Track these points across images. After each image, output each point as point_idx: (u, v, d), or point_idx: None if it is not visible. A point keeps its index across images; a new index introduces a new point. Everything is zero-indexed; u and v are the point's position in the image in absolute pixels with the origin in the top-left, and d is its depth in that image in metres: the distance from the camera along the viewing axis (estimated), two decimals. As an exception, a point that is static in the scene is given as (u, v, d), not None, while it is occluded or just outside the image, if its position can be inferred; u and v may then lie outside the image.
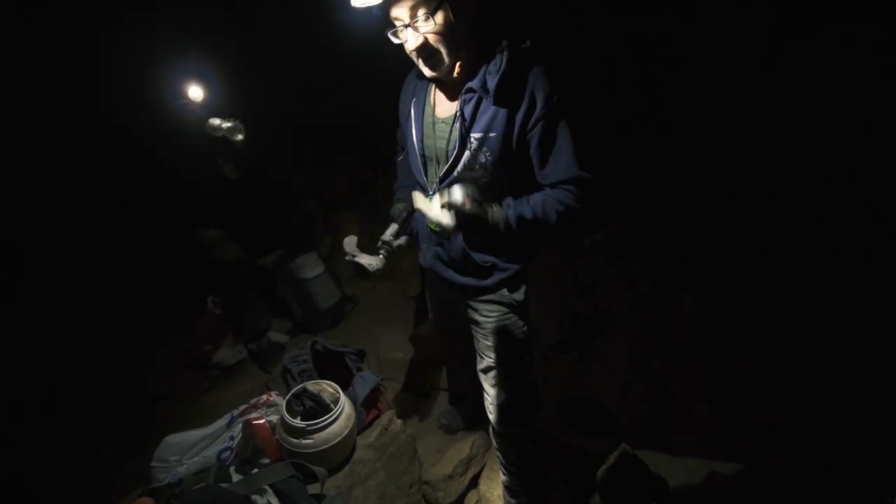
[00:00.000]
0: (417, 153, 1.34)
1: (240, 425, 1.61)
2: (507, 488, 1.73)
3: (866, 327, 1.98)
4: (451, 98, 1.28)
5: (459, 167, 1.24)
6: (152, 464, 1.60)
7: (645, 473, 1.66)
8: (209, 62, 2.51)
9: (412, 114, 1.34)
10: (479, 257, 1.36)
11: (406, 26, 1.13)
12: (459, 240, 1.35)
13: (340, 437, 1.50)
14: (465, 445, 1.93)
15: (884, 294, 2.01)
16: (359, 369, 1.89)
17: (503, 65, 1.13)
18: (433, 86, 1.33)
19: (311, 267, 2.80)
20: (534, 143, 1.17)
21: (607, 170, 2.95)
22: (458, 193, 1.15)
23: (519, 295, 1.45)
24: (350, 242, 1.47)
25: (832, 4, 2.24)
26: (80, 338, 2.58)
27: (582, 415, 2.18)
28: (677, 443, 1.97)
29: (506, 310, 1.44)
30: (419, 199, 1.26)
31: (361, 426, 1.68)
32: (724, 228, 2.57)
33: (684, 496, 1.70)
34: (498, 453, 1.70)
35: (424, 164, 1.35)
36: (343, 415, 1.53)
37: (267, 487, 1.34)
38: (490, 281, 1.40)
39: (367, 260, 1.39)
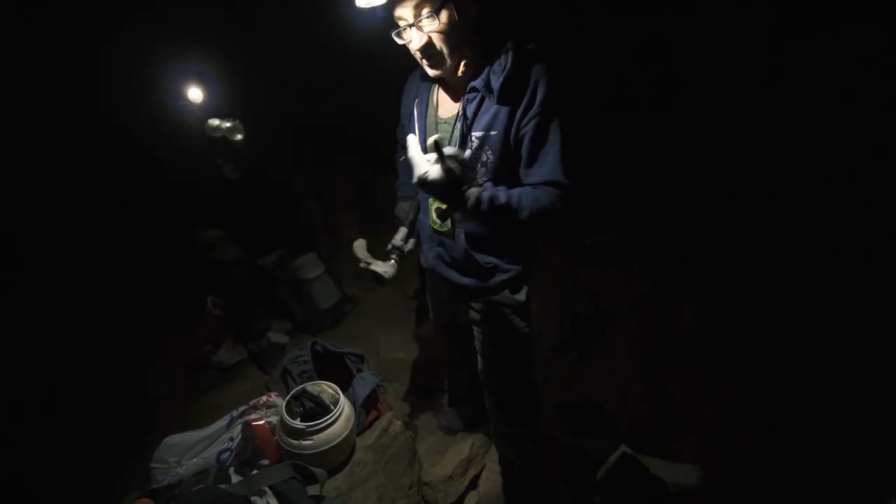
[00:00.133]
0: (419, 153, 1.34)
1: (239, 426, 1.61)
2: (507, 489, 1.73)
3: (866, 327, 1.98)
4: (455, 98, 1.28)
5: None
6: (152, 465, 1.60)
7: (645, 475, 1.66)
8: (209, 63, 2.51)
9: (415, 114, 1.35)
10: (481, 258, 1.36)
11: (410, 26, 1.13)
12: (462, 240, 1.35)
13: (340, 439, 1.50)
14: (464, 446, 1.92)
15: (884, 294, 2.01)
16: (359, 370, 1.89)
17: (508, 65, 1.13)
18: (437, 86, 1.33)
19: (311, 267, 2.81)
20: (525, 139, 1.17)
21: (606, 170, 2.98)
22: (451, 150, 1.11)
23: (520, 296, 1.44)
24: (361, 247, 1.46)
25: (832, 4, 2.24)
26: (80, 338, 2.58)
27: (582, 416, 2.18)
28: (677, 443, 1.97)
29: (507, 311, 1.44)
30: (412, 146, 1.15)
31: (361, 427, 1.68)
32: (725, 229, 2.57)
33: (684, 498, 1.69)
34: (498, 454, 1.70)
35: None
36: (343, 416, 1.53)
37: (266, 489, 1.34)
38: (492, 282, 1.40)
39: (382, 268, 1.38)
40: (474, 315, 1.49)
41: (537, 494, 1.74)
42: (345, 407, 1.55)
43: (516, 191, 1.19)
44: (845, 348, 1.98)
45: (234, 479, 1.47)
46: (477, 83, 1.17)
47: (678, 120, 2.89)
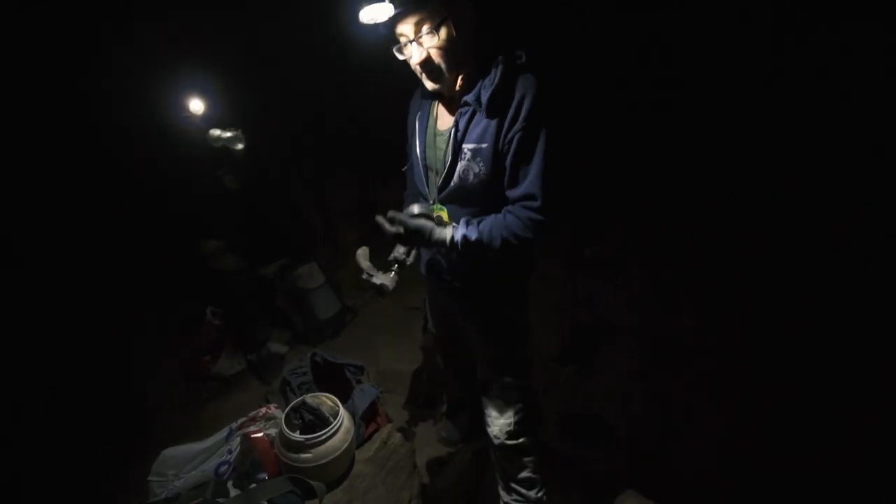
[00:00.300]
0: (420, 163, 1.39)
1: (238, 439, 1.60)
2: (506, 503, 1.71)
3: (866, 327, 1.98)
4: (452, 111, 1.32)
5: (455, 177, 1.28)
6: (150, 478, 1.59)
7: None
8: (210, 75, 2.53)
9: (416, 126, 1.40)
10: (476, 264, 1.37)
11: (411, 41, 1.18)
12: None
13: (339, 452, 1.49)
14: (464, 458, 1.91)
15: (884, 294, 2.01)
16: (358, 382, 1.88)
17: (496, 80, 1.17)
18: (437, 101, 1.38)
19: (311, 277, 2.81)
20: (509, 153, 1.21)
21: (605, 176, 2.98)
22: (409, 210, 1.25)
23: (519, 304, 1.46)
24: (363, 256, 1.46)
25: (832, 4, 2.26)
26: (81, 347, 2.58)
27: (582, 427, 2.17)
28: (678, 454, 1.96)
29: (506, 319, 1.45)
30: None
31: (360, 440, 1.67)
32: (724, 230, 2.57)
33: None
34: (496, 467, 1.69)
35: (426, 174, 1.39)
36: (342, 428, 1.52)
37: (265, 503, 1.33)
38: (490, 290, 1.42)
39: (382, 280, 1.39)
40: (472, 323, 1.50)
41: None
42: (344, 419, 1.55)
43: (486, 223, 1.24)
44: (845, 348, 1.98)
45: (233, 492, 1.46)
46: (469, 97, 1.22)
47: (677, 121, 2.90)
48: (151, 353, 2.74)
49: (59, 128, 2.65)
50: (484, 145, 1.21)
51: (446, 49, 1.18)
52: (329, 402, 1.61)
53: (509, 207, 1.26)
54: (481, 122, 1.21)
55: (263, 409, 1.70)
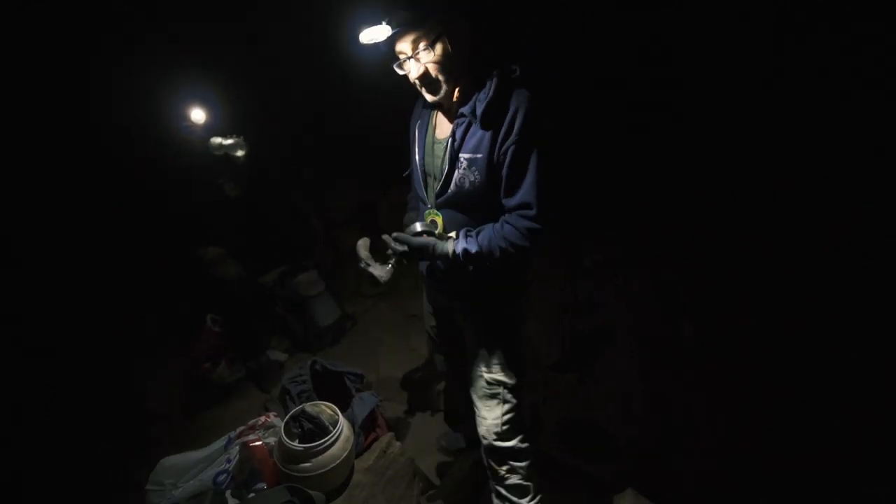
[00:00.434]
0: (419, 170, 1.44)
1: (237, 447, 1.59)
2: None
3: (866, 327, 1.98)
4: (450, 121, 1.38)
5: (452, 185, 1.34)
6: (147, 486, 1.58)
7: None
8: (212, 84, 2.56)
9: (416, 134, 1.46)
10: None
11: (409, 58, 1.25)
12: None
13: (339, 461, 1.49)
14: (463, 468, 1.90)
15: (884, 294, 2.01)
16: (358, 390, 1.88)
17: (491, 93, 1.24)
18: (436, 111, 1.44)
19: (311, 285, 2.81)
20: (504, 165, 1.26)
21: (606, 179, 2.99)
22: (411, 229, 1.35)
23: (517, 305, 1.50)
24: (363, 246, 1.50)
25: (831, 5, 2.29)
26: (80, 352, 2.58)
27: (581, 435, 2.16)
28: (678, 455, 1.96)
29: (504, 319, 1.48)
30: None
31: (360, 449, 1.66)
32: (724, 229, 2.58)
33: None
34: (487, 471, 1.67)
35: (424, 180, 1.45)
36: (342, 437, 1.52)
37: (263, 512, 1.33)
38: (489, 292, 1.45)
39: (379, 271, 1.43)
40: (469, 323, 1.52)
41: None
42: (343, 428, 1.54)
43: (485, 235, 1.31)
44: (845, 348, 1.98)
45: (231, 502, 1.45)
46: (465, 109, 1.28)
47: (677, 121, 2.92)
48: (151, 360, 2.74)
49: (61, 129, 2.68)
50: (479, 155, 1.27)
51: (442, 64, 1.24)
52: (328, 411, 1.60)
53: (506, 217, 1.31)
54: (477, 133, 1.27)
55: (263, 418, 1.70)
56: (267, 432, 1.63)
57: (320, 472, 1.46)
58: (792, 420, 1.92)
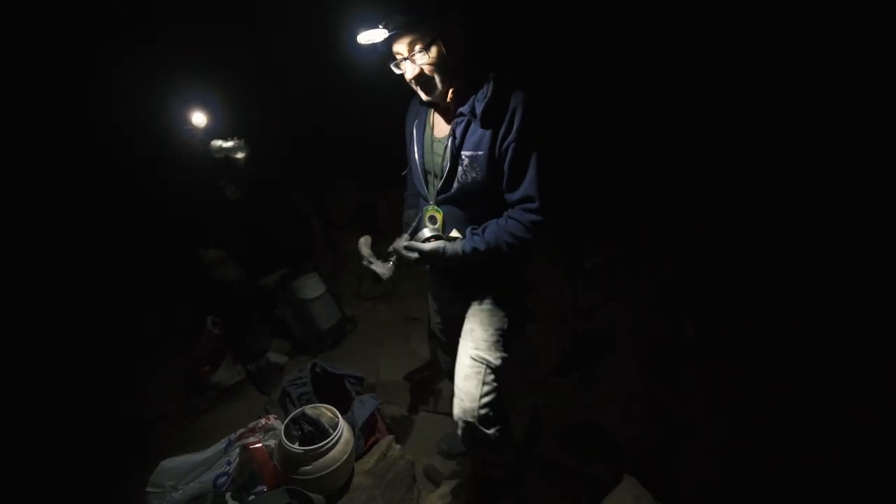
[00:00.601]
0: (419, 168, 1.48)
1: (237, 450, 1.60)
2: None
3: (866, 327, 1.98)
4: (447, 120, 1.43)
5: (455, 182, 1.39)
6: (148, 489, 1.58)
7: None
8: (212, 87, 2.57)
9: (414, 133, 1.50)
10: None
11: (405, 59, 1.30)
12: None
13: (338, 464, 1.49)
14: (464, 471, 1.90)
15: (884, 294, 2.01)
16: (358, 393, 1.88)
17: (489, 93, 1.29)
18: (432, 109, 1.48)
19: (312, 287, 2.81)
20: (505, 162, 1.32)
21: (605, 179, 2.99)
22: (420, 236, 1.40)
23: (518, 288, 1.55)
24: (365, 244, 1.52)
25: (831, 6, 2.29)
26: (80, 354, 2.59)
27: (582, 436, 2.16)
28: (678, 455, 1.96)
29: (500, 304, 1.51)
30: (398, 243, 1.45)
31: (360, 452, 1.67)
32: (724, 233, 2.58)
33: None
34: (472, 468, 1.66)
35: (425, 178, 1.49)
36: (341, 440, 1.52)
37: (263, 515, 1.33)
38: (490, 282, 1.50)
39: (380, 269, 1.45)
40: (472, 300, 1.53)
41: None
42: (344, 431, 1.54)
43: (490, 232, 1.36)
44: (845, 348, 1.98)
45: (231, 504, 1.45)
46: (464, 109, 1.33)
47: (677, 121, 2.92)
48: (150, 360, 2.74)
49: (62, 130, 2.69)
50: (480, 153, 1.32)
51: (437, 65, 1.29)
52: (328, 414, 1.61)
53: (509, 213, 1.36)
54: (477, 132, 1.32)
55: (263, 420, 1.70)
56: (267, 435, 1.64)
57: (320, 474, 1.46)
58: (792, 420, 1.91)
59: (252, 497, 1.51)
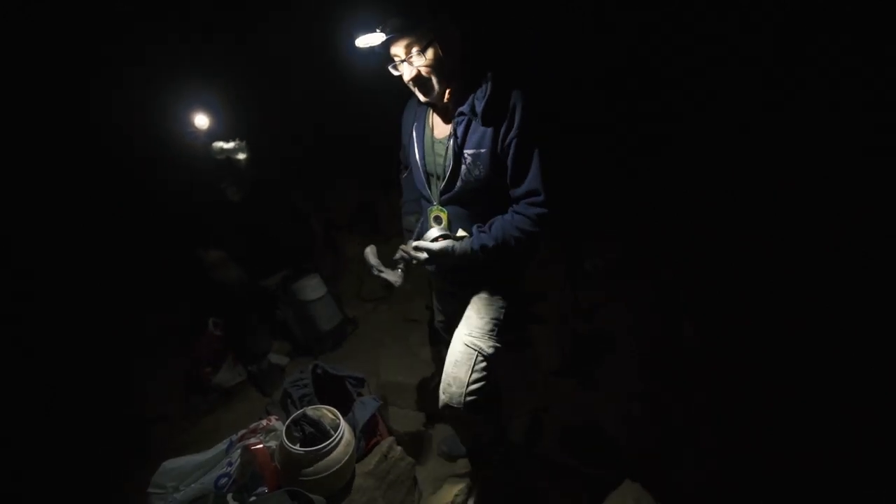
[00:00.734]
0: (420, 170, 1.50)
1: (238, 451, 1.60)
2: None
3: (866, 327, 1.99)
4: (446, 121, 1.46)
5: (458, 180, 1.40)
6: (149, 489, 1.59)
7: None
8: (215, 90, 2.57)
9: (414, 135, 1.51)
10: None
11: (402, 61, 1.33)
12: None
13: (339, 465, 1.49)
14: (465, 473, 1.90)
15: (884, 294, 2.02)
16: (359, 394, 1.88)
17: (488, 92, 1.32)
18: (430, 110, 1.50)
19: (313, 289, 2.81)
20: (508, 158, 1.35)
21: (606, 179, 2.99)
22: (429, 236, 1.41)
23: (517, 279, 1.58)
24: (372, 253, 1.53)
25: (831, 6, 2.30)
26: (81, 356, 2.59)
27: (582, 437, 2.16)
28: (678, 455, 1.96)
29: (501, 294, 1.53)
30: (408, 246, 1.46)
31: (361, 453, 1.67)
32: (724, 233, 2.58)
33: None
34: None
35: (427, 179, 1.51)
36: (343, 441, 1.52)
37: (264, 517, 1.33)
38: (494, 277, 1.52)
39: (392, 276, 1.47)
40: (473, 292, 1.55)
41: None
42: (345, 432, 1.55)
43: (497, 228, 1.38)
44: (845, 348, 1.98)
45: (232, 505, 1.45)
46: (464, 108, 1.35)
47: (677, 120, 2.93)
48: (151, 360, 2.74)
49: (63, 131, 2.70)
50: (483, 150, 1.35)
51: (434, 66, 1.32)
52: (330, 415, 1.61)
53: (514, 207, 1.39)
54: (478, 130, 1.34)
55: (264, 421, 1.70)
56: (268, 436, 1.64)
57: (321, 475, 1.46)
58: (792, 420, 1.92)
59: (253, 498, 1.51)
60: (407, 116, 1.59)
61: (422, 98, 1.40)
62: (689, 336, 2.41)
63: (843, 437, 1.79)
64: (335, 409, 1.62)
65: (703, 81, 2.84)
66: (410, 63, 1.32)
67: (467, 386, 1.46)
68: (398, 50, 1.31)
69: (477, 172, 1.37)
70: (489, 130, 1.33)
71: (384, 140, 2.04)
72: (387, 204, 3.52)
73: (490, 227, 1.40)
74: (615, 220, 3.05)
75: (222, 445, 1.66)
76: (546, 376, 2.42)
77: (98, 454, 2.21)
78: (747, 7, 2.63)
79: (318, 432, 1.55)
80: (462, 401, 1.47)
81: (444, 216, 1.48)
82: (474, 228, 1.42)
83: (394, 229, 1.62)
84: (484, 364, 1.48)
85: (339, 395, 1.86)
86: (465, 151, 1.37)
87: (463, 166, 1.38)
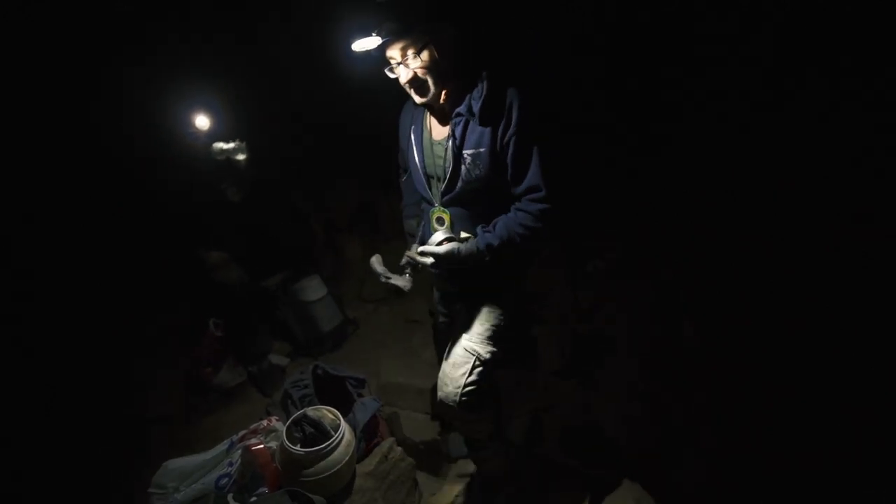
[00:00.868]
0: (420, 172, 1.50)
1: (239, 451, 1.60)
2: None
3: (866, 327, 1.98)
4: (443, 122, 1.46)
5: (459, 181, 1.41)
6: (150, 489, 1.59)
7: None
8: (215, 91, 2.58)
9: (412, 138, 1.51)
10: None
11: (398, 63, 1.34)
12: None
13: (340, 465, 1.50)
14: (465, 473, 1.90)
15: (884, 294, 2.01)
16: (359, 395, 1.88)
17: (484, 91, 1.33)
18: (427, 113, 1.50)
19: (313, 289, 2.81)
20: (508, 156, 1.35)
21: (606, 179, 2.99)
22: (433, 240, 1.41)
23: (517, 285, 1.59)
24: (378, 262, 1.53)
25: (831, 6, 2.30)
26: (82, 356, 2.59)
27: (582, 438, 2.16)
28: (677, 461, 1.96)
29: (502, 301, 1.54)
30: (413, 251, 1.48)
31: (361, 453, 1.67)
32: (724, 233, 2.58)
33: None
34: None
35: (427, 181, 1.51)
36: (343, 442, 1.53)
37: (265, 517, 1.34)
38: (496, 280, 1.53)
39: (401, 283, 1.47)
40: (473, 295, 1.56)
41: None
42: (345, 433, 1.55)
43: (501, 226, 1.39)
44: (845, 348, 1.98)
45: (233, 506, 1.46)
46: (461, 108, 1.36)
47: (677, 120, 2.92)
48: (151, 361, 2.74)
49: (64, 132, 2.70)
50: (482, 150, 1.35)
51: (430, 68, 1.33)
52: (330, 416, 1.61)
53: (517, 205, 1.40)
54: (476, 130, 1.35)
55: (265, 422, 1.71)
56: (269, 436, 1.65)
57: (322, 476, 1.47)
58: (792, 420, 1.92)
59: (254, 498, 1.51)
60: (404, 120, 1.59)
61: (419, 100, 1.41)
62: (689, 336, 2.40)
63: (843, 437, 1.79)
64: (336, 410, 1.62)
65: (703, 81, 2.84)
66: (406, 65, 1.33)
67: (463, 387, 1.50)
68: (394, 53, 1.33)
69: (477, 172, 1.37)
70: (487, 130, 1.34)
71: (384, 140, 2.05)
72: (387, 204, 3.52)
73: (494, 227, 1.40)
74: (615, 220, 3.04)
75: (223, 446, 1.66)
76: (546, 376, 2.43)
77: (98, 454, 2.21)
78: (747, 7, 2.63)
79: (318, 433, 1.56)
80: (457, 400, 1.51)
81: (446, 217, 1.48)
82: (479, 229, 1.42)
83: (394, 230, 1.62)
84: (480, 369, 1.52)
85: (339, 395, 1.86)
86: (464, 152, 1.37)
87: (463, 167, 1.39)
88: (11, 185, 2.62)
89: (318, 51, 2.95)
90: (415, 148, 1.51)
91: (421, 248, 1.42)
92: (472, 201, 1.44)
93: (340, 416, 1.60)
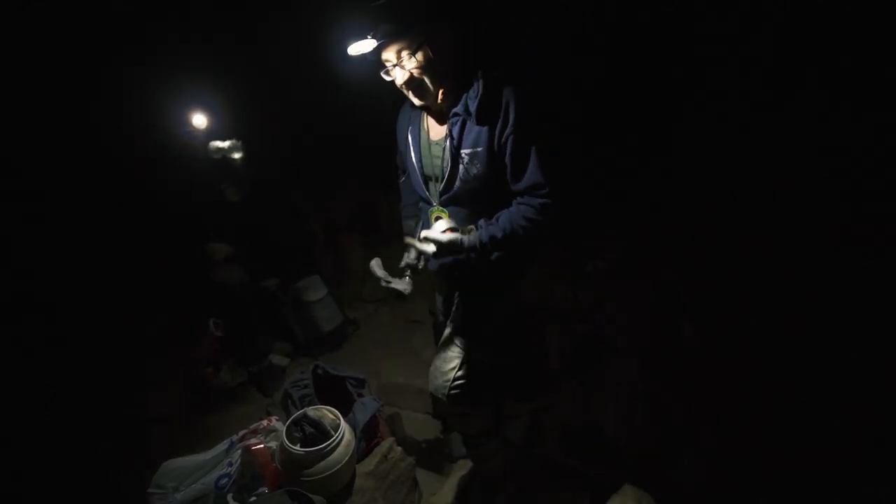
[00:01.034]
0: (418, 173, 1.51)
1: (239, 451, 1.60)
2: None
3: (866, 327, 1.98)
4: (440, 123, 1.47)
5: (457, 181, 1.42)
6: (150, 490, 1.59)
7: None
8: (214, 91, 2.58)
9: (410, 139, 1.52)
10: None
11: (394, 65, 1.35)
12: None
13: (340, 465, 1.49)
14: (466, 474, 1.90)
15: (884, 294, 2.01)
16: (359, 395, 1.88)
17: (480, 91, 1.33)
18: (425, 114, 1.51)
19: (313, 290, 2.82)
20: (506, 154, 1.36)
21: (606, 178, 2.98)
22: (437, 228, 1.41)
23: (513, 288, 1.60)
24: (378, 266, 1.53)
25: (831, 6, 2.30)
26: (82, 356, 2.59)
27: (582, 438, 2.16)
28: (677, 461, 1.96)
29: (500, 300, 1.56)
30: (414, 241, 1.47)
31: (361, 453, 1.67)
32: (724, 233, 2.58)
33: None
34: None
35: (426, 182, 1.52)
36: (343, 442, 1.53)
37: (265, 517, 1.33)
38: (494, 278, 1.53)
39: (402, 285, 1.47)
40: (471, 294, 1.57)
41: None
42: (345, 433, 1.55)
43: (503, 219, 1.39)
44: (845, 348, 1.98)
45: (233, 506, 1.46)
46: (458, 108, 1.36)
47: (677, 120, 2.92)
48: (151, 361, 2.74)
49: (62, 130, 2.70)
50: (479, 149, 1.36)
51: (426, 68, 1.33)
52: (330, 415, 1.61)
53: (518, 200, 1.40)
54: (473, 129, 1.36)
55: (265, 422, 1.71)
56: (269, 436, 1.64)
57: (322, 476, 1.46)
58: (792, 420, 1.92)
59: (253, 498, 1.51)
60: (401, 122, 1.60)
61: (416, 101, 1.41)
62: (689, 336, 2.40)
63: (843, 437, 1.79)
64: (336, 410, 1.62)
65: (703, 81, 2.84)
66: (402, 67, 1.33)
67: (451, 381, 1.56)
68: (389, 55, 1.33)
69: (475, 171, 1.38)
70: (484, 129, 1.34)
71: (385, 140, 2.05)
72: (387, 204, 3.52)
73: (497, 220, 1.41)
74: (615, 220, 3.04)
75: (223, 446, 1.66)
76: (546, 377, 2.42)
77: (98, 454, 2.21)
78: (747, 7, 2.63)
79: (318, 433, 1.55)
80: (446, 393, 1.58)
81: (444, 216, 1.49)
82: (482, 221, 1.42)
83: (394, 230, 1.62)
84: (468, 366, 1.56)
85: (339, 395, 1.86)
86: (462, 151, 1.38)
87: (461, 166, 1.40)
88: (11, 185, 2.62)
89: (318, 51, 2.96)
90: (412, 149, 1.52)
91: (424, 234, 1.41)
92: (470, 201, 1.45)
93: (340, 416, 1.59)
